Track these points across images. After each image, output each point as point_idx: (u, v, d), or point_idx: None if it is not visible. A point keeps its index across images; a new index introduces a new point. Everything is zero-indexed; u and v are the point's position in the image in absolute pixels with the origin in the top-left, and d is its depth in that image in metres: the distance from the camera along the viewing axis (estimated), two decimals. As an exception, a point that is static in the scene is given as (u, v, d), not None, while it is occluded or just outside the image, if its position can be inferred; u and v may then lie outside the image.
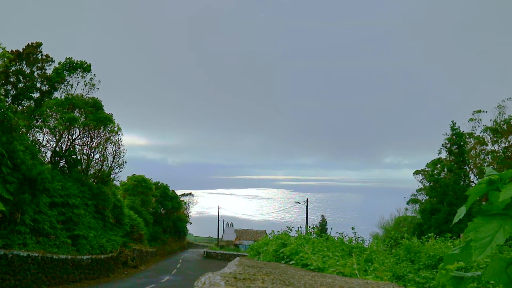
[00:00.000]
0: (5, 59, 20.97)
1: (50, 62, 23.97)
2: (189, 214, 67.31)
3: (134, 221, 35.23)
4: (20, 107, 22.58)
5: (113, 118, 30.59)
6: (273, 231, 10.05)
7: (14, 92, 22.04)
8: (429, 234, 8.70)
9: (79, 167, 28.83)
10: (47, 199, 20.39)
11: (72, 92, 28.81)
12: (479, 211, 1.47)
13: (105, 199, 27.66)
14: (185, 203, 65.48)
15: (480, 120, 36.61)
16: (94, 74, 29.25)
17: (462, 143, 33.39)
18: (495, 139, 35.55)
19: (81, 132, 29.20)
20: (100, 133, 30.24)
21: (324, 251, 5.89)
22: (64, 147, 28.21)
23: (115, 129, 31.34)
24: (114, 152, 31.55)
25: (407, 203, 43.61)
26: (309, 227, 9.88)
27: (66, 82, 27.78)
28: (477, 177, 35.19)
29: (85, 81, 29.03)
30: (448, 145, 33.74)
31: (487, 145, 36.44)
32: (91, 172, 30.11)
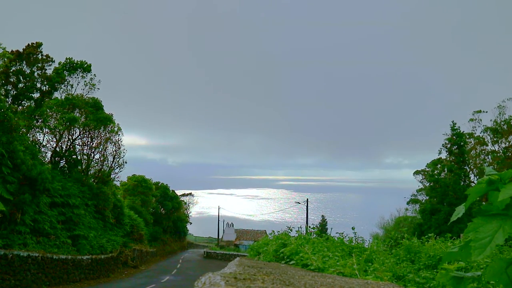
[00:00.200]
0: (5, 59, 20.97)
1: (50, 62, 23.97)
2: (189, 214, 67.29)
3: (134, 221, 35.21)
4: (20, 107, 22.58)
5: (113, 118, 30.58)
6: (273, 231, 10.05)
7: (14, 92, 22.04)
8: (429, 234, 8.69)
9: (79, 167, 28.83)
10: (47, 199, 20.39)
11: (72, 92, 28.82)
12: (478, 211, 1.47)
13: (105, 199, 27.65)
14: (185, 203, 65.46)
15: (480, 120, 36.63)
16: (94, 74, 29.28)
17: (462, 143, 33.38)
18: (495, 139, 35.53)
19: (81, 132, 29.20)
20: (100, 133, 30.23)
21: (324, 251, 5.89)
22: (64, 147, 28.21)
23: (115, 129, 31.33)
24: (114, 152, 31.56)
25: (407, 203, 43.63)
26: (309, 227, 9.87)
27: (66, 82, 27.78)
28: (477, 177, 35.16)
29: (85, 81, 29.05)
30: (448, 145, 33.74)
31: (487, 145, 36.43)
32: (91, 172, 30.09)
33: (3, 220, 16.09)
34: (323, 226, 60.06)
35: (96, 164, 30.64)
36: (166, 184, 56.94)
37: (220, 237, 64.72)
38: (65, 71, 26.84)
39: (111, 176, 31.51)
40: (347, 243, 7.80)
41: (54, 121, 26.13)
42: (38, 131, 25.46)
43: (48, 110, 25.54)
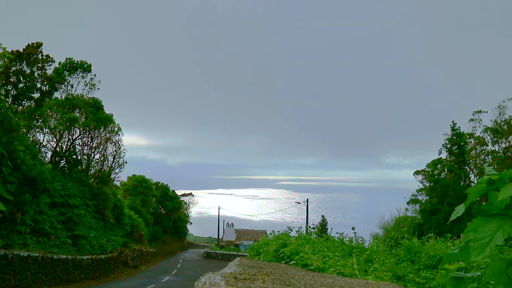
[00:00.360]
0: (6, 59, 20.97)
1: (51, 62, 23.98)
2: (189, 214, 67.31)
3: (135, 221, 35.21)
4: (20, 107, 22.59)
5: (113, 118, 30.58)
6: (273, 231, 10.05)
7: (15, 92, 22.05)
8: (429, 235, 8.70)
9: (79, 167, 28.84)
10: (47, 199, 20.39)
11: (73, 92, 28.85)
12: (478, 211, 1.47)
13: (105, 199, 27.66)
14: (185, 203, 65.46)
15: (481, 120, 36.60)
16: (95, 74, 29.30)
17: (462, 144, 33.39)
18: (495, 139, 35.51)
19: (82, 132, 29.21)
20: (101, 133, 30.24)
21: (324, 251, 5.89)
22: (64, 147, 28.23)
23: (115, 129, 31.34)
24: (114, 152, 31.56)
25: (408, 203, 43.59)
26: (309, 227, 9.87)
27: (66, 82, 27.79)
28: (477, 177, 35.14)
29: (85, 81, 29.07)
30: (449, 145, 33.75)
31: (487, 145, 36.41)
32: (91, 172, 30.10)
33: (3, 220, 16.10)
34: (323, 226, 60.02)
35: (96, 164, 30.66)
36: (166, 184, 56.96)
37: (220, 237, 64.71)
38: (65, 71, 26.85)
39: (111, 176, 31.52)
40: (347, 243, 7.80)
41: (54, 121, 26.15)
42: (38, 131, 25.49)
43: (48, 110, 25.56)
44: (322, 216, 73.32)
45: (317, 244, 6.83)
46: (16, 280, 15.61)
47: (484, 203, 1.54)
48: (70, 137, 28.45)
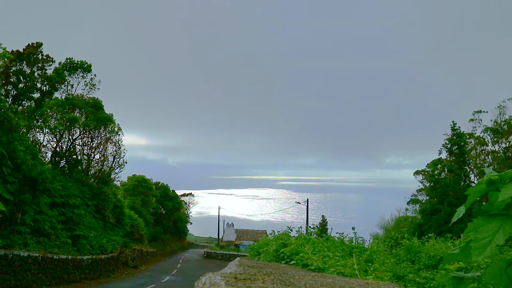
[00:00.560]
0: (6, 59, 20.97)
1: (51, 62, 23.98)
2: (190, 214, 67.28)
3: (135, 221, 35.22)
4: (20, 107, 22.59)
5: (113, 118, 30.57)
6: (274, 231, 10.05)
7: (15, 92, 22.05)
8: (430, 235, 8.70)
9: (79, 167, 28.84)
10: (47, 199, 20.39)
11: (73, 92, 28.84)
12: (479, 212, 1.47)
13: (105, 199, 27.66)
14: (186, 203, 65.44)
15: (481, 120, 36.57)
16: (95, 74, 29.29)
17: (462, 144, 33.38)
18: (495, 139, 35.49)
19: (82, 132, 29.21)
20: (101, 133, 30.25)
21: (325, 251, 5.88)
22: (64, 147, 28.23)
23: (116, 129, 31.34)
24: (115, 152, 31.57)
25: (408, 203, 43.57)
26: (310, 227, 9.87)
27: (66, 82, 27.78)
28: (477, 177, 35.12)
29: (85, 81, 29.06)
30: (449, 146, 33.74)
31: (487, 145, 36.38)
32: (91, 172, 30.10)
33: (3, 220, 16.10)
34: (323, 226, 60.00)
35: (96, 164, 30.66)
36: (166, 184, 56.96)
37: (220, 237, 64.70)
38: (65, 71, 26.84)
39: (111, 176, 31.53)
40: (348, 243, 7.80)
41: (54, 121, 26.15)
42: (38, 131, 25.50)
43: (48, 110, 25.56)
44: (322, 216, 73.29)
45: (317, 244, 6.82)
46: (16, 280, 15.61)
47: (484, 203, 1.54)
48: (70, 137, 28.46)
